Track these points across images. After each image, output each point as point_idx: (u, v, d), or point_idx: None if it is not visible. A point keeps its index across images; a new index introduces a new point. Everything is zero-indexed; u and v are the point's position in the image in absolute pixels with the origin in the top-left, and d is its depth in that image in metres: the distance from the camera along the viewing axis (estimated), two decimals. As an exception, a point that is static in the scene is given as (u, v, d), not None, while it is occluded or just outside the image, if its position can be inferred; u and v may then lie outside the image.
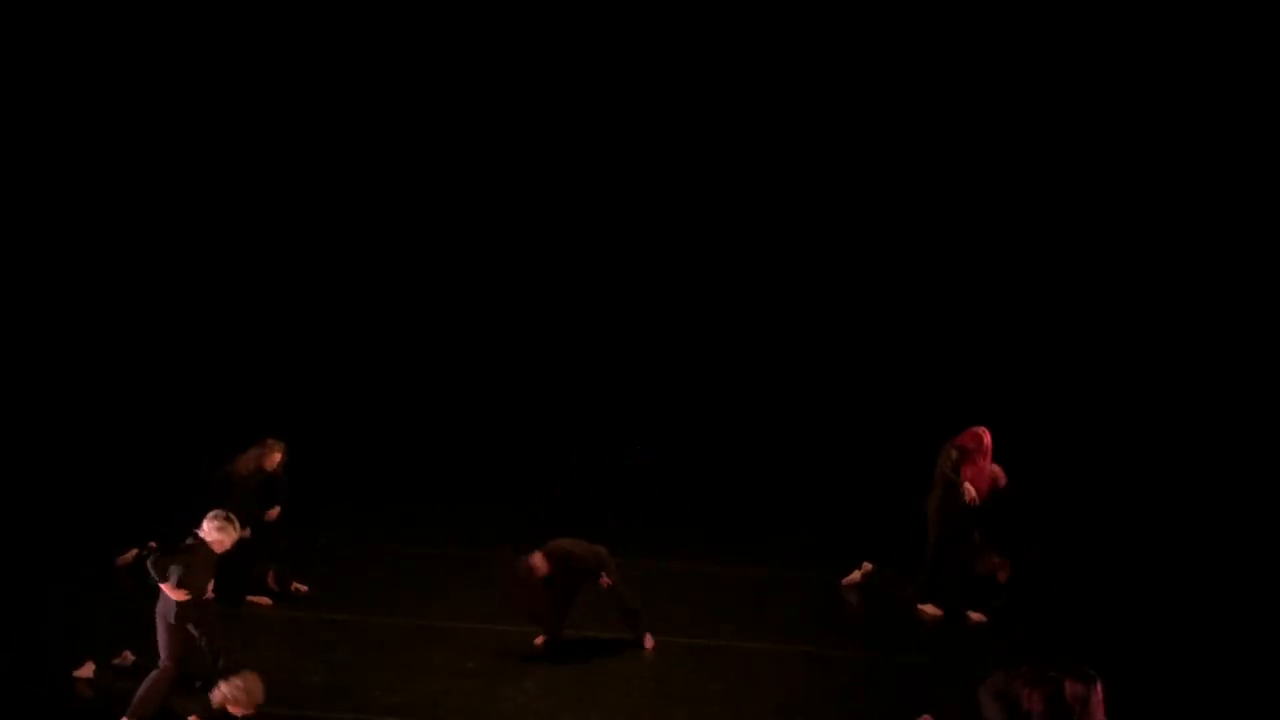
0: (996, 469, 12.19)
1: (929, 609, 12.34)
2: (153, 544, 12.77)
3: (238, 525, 10.07)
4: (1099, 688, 8.98)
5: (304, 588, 12.53)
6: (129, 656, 10.57)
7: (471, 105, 17.06)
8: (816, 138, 16.63)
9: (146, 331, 16.87)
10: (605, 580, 11.33)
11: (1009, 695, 9.16)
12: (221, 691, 9.60)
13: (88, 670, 10.58)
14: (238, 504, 11.98)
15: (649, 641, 11.51)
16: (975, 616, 12.18)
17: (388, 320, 17.27)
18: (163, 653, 9.92)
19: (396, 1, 16.81)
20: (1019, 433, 15.21)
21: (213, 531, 9.91)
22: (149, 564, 10.01)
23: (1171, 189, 16.09)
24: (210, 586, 10.04)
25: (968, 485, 11.93)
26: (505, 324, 17.20)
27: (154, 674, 9.90)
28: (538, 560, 11.11)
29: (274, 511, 12.24)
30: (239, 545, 12.07)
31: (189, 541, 9.95)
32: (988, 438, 12.09)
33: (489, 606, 12.16)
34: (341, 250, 17.31)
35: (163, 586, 9.82)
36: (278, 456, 12.20)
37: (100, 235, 16.93)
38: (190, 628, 9.93)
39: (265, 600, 12.21)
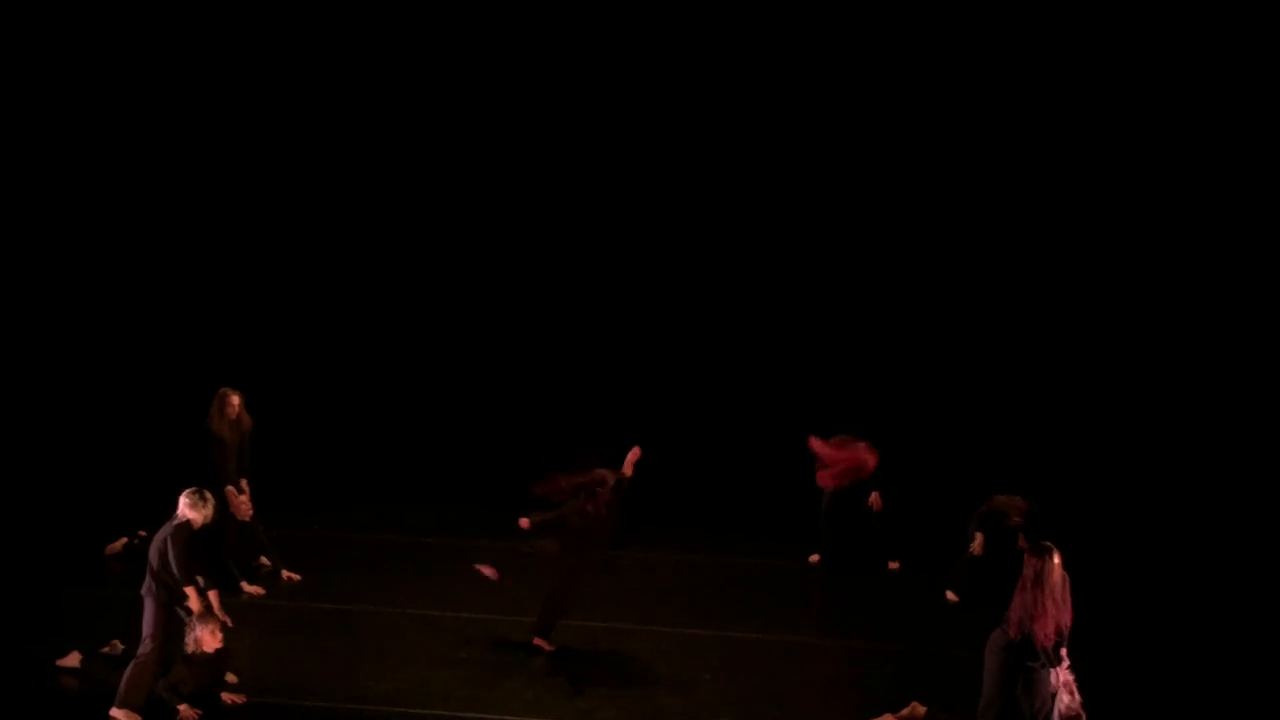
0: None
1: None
2: (142, 533, 12.82)
3: (211, 499, 9.90)
4: (1055, 557, 8.96)
5: (296, 576, 12.56)
6: (118, 646, 10.53)
7: (468, 107, 17.09)
8: (801, 139, 16.65)
9: (141, 324, 16.87)
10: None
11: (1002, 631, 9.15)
12: (194, 636, 9.77)
13: (73, 660, 10.50)
14: (226, 467, 12.17)
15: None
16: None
17: (381, 317, 17.29)
18: (146, 630, 9.83)
19: (397, 1, 16.82)
20: (1018, 428, 15.42)
21: (187, 510, 9.81)
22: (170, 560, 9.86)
23: (1163, 187, 16.11)
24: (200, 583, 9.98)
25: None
26: (499, 320, 17.24)
27: (135, 661, 9.84)
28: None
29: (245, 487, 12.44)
30: (228, 530, 12.18)
31: (171, 526, 9.83)
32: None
33: (480, 596, 12.20)
34: (336, 249, 17.32)
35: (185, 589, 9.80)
36: (235, 400, 12.35)
37: (96, 231, 16.91)
38: (179, 611, 9.92)
39: (258, 589, 12.23)
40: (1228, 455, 15.37)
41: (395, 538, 13.60)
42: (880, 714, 10.11)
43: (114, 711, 9.76)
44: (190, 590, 9.78)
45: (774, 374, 16.67)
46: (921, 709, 10.12)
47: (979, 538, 12.33)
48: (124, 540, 12.85)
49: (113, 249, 16.94)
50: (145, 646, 9.82)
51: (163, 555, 9.74)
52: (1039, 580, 8.91)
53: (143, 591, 9.86)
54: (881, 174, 16.55)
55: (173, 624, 9.89)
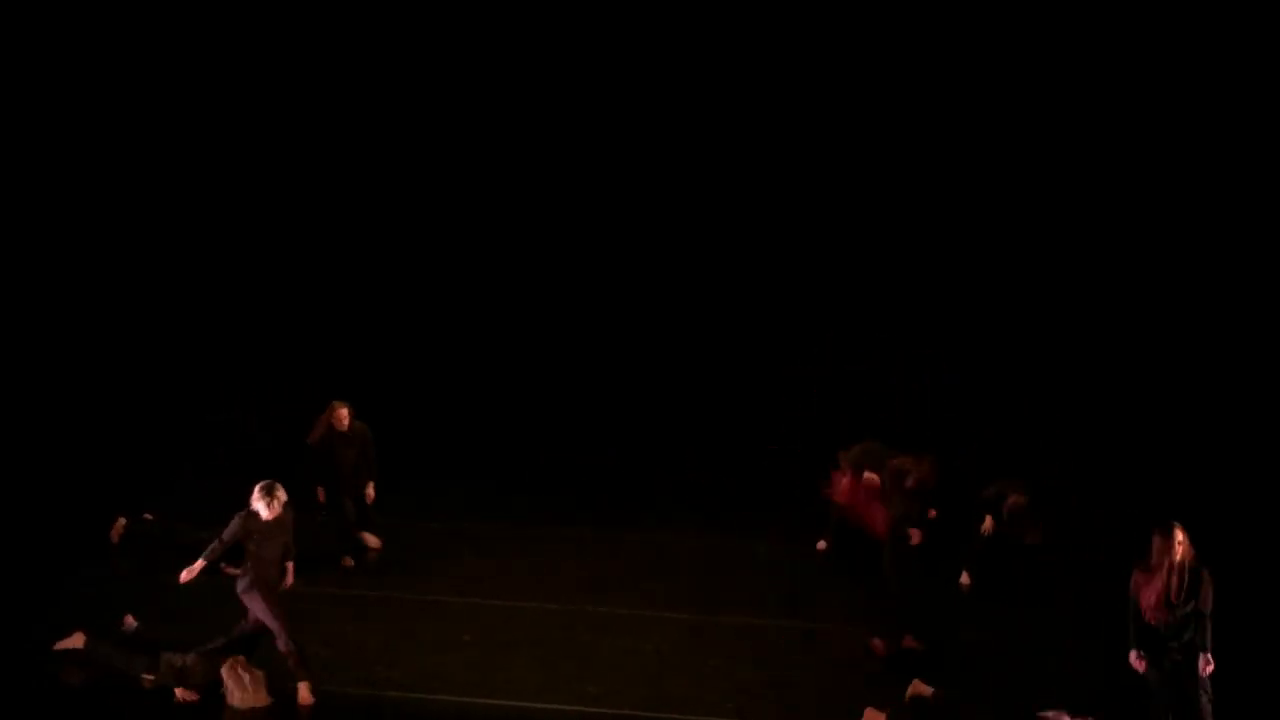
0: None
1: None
2: (148, 515, 12.81)
3: (280, 495, 9.93)
4: (1179, 533, 9.27)
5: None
6: (131, 622, 10.55)
7: (468, 108, 17.08)
8: (803, 138, 16.63)
9: (176, 310, 16.88)
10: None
11: None
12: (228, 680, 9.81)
13: (76, 641, 10.41)
14: (313, 470, 12.45)
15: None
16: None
17: (396, 306, 17.27)
18: (269, 622, 9.90)
19: (397, 1, 16.77)
20: (1022, 422, 15.39)
21: (256, 502, 9.89)
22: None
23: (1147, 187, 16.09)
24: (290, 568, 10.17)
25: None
26: (506, 310, 17.24)
27: (282, 646, 9.89)
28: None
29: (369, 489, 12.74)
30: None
31: (243, 515, 9.92)
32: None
33: (486, 580, 12.22)
34: (345, 241, 17.31)
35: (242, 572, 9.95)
36: (344, 414, 12.55)
37: (108, 223, 16.87)
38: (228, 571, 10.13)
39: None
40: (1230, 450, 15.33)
41: (401, 523, 13.59)
42: (885, 700, 10.11)
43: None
44: (199, 562, 9.84)
45: (787, 360, 16.66)
46: (926, 689, 10.15)
47: (988, 519, 12.50)
48: (123, 521, 12.77)
49: (115, 236, 16.91)
50: (281, 638, 9.89)
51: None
52: (1161, 554, 9.25)
53: (239, 590, 9.96)
54: (893, 171, 16.51)
55: (280, 601, 10.00)
